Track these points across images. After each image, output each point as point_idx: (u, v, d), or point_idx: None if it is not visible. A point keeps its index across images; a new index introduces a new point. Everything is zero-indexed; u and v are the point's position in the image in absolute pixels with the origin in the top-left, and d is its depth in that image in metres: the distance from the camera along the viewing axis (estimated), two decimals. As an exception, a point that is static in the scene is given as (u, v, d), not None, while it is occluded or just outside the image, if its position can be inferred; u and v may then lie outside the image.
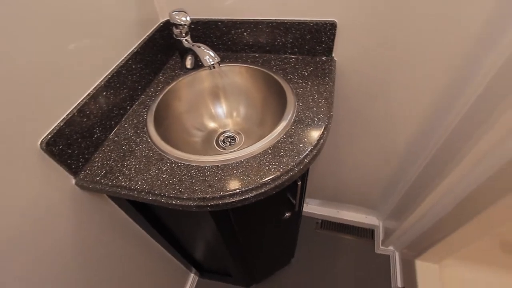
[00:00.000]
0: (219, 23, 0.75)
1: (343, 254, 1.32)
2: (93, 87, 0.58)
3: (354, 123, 0.92)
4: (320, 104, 0.61)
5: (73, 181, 0.55)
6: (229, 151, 0.54)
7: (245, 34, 0.76)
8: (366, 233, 1.37)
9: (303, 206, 1.37)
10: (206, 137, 0.75)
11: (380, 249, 1.28)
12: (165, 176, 0.51)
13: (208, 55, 0.64)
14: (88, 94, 0.56)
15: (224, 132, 0.76)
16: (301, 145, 0.52)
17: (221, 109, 0.77)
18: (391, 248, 1.25)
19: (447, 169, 0.77)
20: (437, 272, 1.03)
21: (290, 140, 0.54)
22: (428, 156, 0.89)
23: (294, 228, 1.01)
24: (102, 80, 0.59)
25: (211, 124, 0.76)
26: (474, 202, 0.74)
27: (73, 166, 0.54)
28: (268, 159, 0.51)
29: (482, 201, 0.71)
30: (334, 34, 0.69)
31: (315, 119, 0.57)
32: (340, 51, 0.73)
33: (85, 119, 0.55)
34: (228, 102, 0.76)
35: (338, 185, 1.23)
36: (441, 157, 0.82)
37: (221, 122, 0.77)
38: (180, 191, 0.49)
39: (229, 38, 0.78)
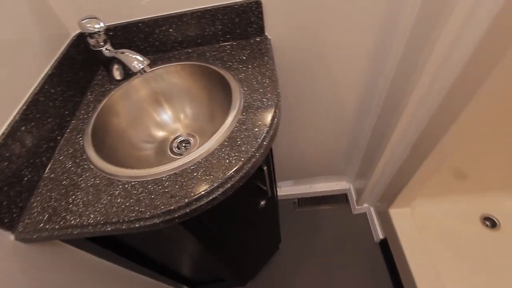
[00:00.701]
0: (140, 24, 0.69)
1: (325, 225, 1.36)
2: (6, 125, 0.49)
3: (302, 98, 0.92)
4: (266, 84, 0.59)
5: (12, 236, 0.47)
6: (185, 155, 0.50)
7: (171, 30, 0.71)
8: (341, 199, 1.43)
9: (276, 191, 1.38)
10: (158, 147, 0.70)
11: (356, 209, 1.34)
12: (120, 200, 0.46)
13: (136, 60, 0.58)
14: (3, 134, 0.48)
15: (176, 138, 0.71)
16: (256, 129, 0.51)
17: (166, 115, 0.72)
18: (365, 205, 1.32)
19: (394, 119, 0.81)
20: (409, 214, 1.10)
21: (244, 127, 0.51)
22: (376, 112, 0.94)
23: (273, 214, 1.01)
24: (16, 114, 0.51)
25: (160, 133, 0.71)
26: (424, 142, 0.80)
27: (6, 220, 0.46)
28: (227, 152, 0.48)
29: (430, 139, 0.77)
30: (261, 13, 0.68)
31: (264, 100, 0.56)
32: (272, 28, 0.72)
33: (6, 163, 0.47)
34: (172, 106, 0.71)
35: (303, 162, 1.25)
36: (387, 110, 0.86)
37: (170, 128, 0.72)
38: (141, 211, 0.44)
39: (155, 39, 0.72)
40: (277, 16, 0.70)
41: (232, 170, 0.46)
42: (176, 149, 0.70)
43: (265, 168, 0.58)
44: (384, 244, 1.21)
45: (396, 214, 1.11)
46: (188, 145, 0.70)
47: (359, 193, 1.28)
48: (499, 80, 0.58)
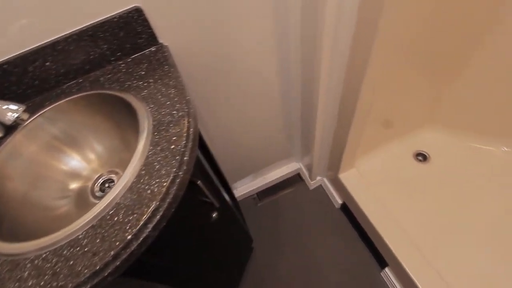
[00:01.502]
0: (6, 66, 0.58)
1: (289, 209, 1.37)
2: None
3: (222, 95, 0.90)
4: (172, 95, 0.54)
5: None
6: (101, 201, 0.43)
7: (48, 64, 0.61)
8: (295, 179, 1.45)
9: (233, 194, 1.34)
10: (77, 199, 0.60)
11: (312, 184, 1.38)
12: (32, 283, 0.38)
13: (8, 110, 0.48)
14: None
15: (96, 181, 0.63)
16: (172, 147, 0.46)
17: (74, 161, 0.62)
18: (319, 178, 1.37)
19: (315, 90, 0.83)
20: (356, 174, 1.17)
21: (159, 148, 0.46)
22: (298, 86, 0.95)
23: (234, 219, 0.97)
24: None
25: (74, 183, 0.61)
26: (346, 103, 0.84)
27: None
28: (146, 181, 0.43)
29: (350, 98, 0.81)
30: (146, 20, 0.62)
31: (174, 112, 0.51)
32: (166, 33, 0.67)
33: None
34: (77, 149, 0.62)
35: (249, 157, 1.23)
36: (306, 82, 0.88)
37: (85, 173, 0.62)
38: (60, 285, 0.36)
39: (32, 77, 0.61)
40: (167, 19, 0.65)
41: (157, 200, 0.40)
42: (100, 192, 0.61)
43: (198, 182, 0.53)
44: (345, 207, 1.27)
45: (345, 177, 1.16)
46: (113, 183, 0.62)
47: (309, 169, 1.31)
48: (392, 27, 0.62)
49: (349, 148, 1.01)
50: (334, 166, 1.17)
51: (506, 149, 1.20)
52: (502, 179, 1.16)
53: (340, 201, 1.28)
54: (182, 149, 0.45)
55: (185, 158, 0.45)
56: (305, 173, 1.39)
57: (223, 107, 0.94)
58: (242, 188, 1.41)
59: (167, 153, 0.45)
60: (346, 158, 1.07)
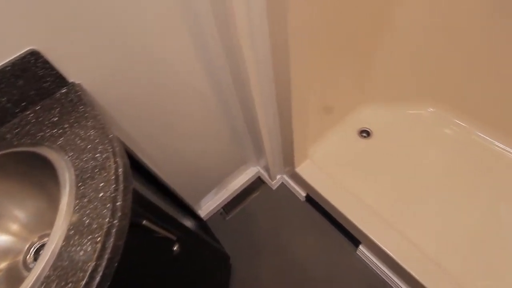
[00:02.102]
0: None
1: (257, 214, 1.36)
2: None
3: (159, 121, 0.85)
4: (92, 137, 0.49)
5: None
6: (26, 278, 0.37)
7: None
8: (258, 183, 1.45)
9: (198, 215, 1.30)
10: (9, 277, 0.52)
11: (274, 184, 1.39)
12: None
13: None
14: None
15: (27, 252, 0.55)
16: (101, 194, 0.41)
17: (-5, 235, 0.53)
18: (279, 177, 1.38)
19: (247, 90, 0.82)
20: (311, 164, 1.20)
21: (86, 200, 0.41)
22: (233, 94, 0.94)
23: (203, 242, 0.93)
24: None
25: (2, 263, 0.53)
26: (282, 98, 0.85)
27: None
28: (77, 242, 0.38)
29: (284, 93, 0.82)
30: (48, 61, 0.56)
31: (97, 155, 0.46)
32: (76, 71, 0.61)
33: None
34: (-6, 220, 0.53)
35: (203, 175, 1.19)
36: (238, 86, 0.88)
37: (12, 248, 0.54)
38: None
39: None
40: (73, 55, 0.59)
41: (93, 260, 0.36)
42: (34, 263, 0.54)
43: (144, 222, 0.49)
44: (309, 198, 1.30)
45: (302, 170, 1.19)
46: (49, 248, 0.55)
47: (268, 170, 1.32)
48: (302, 18, 0.64)
49: (298, 142, 1.03)
50: (289, 162, 1.19)
51: (431, 109, 1.33)
52: (431, 136, 1.29)
53: (303, 194, 1.31)
54: (113, 195, 0.41)
55: (118, 204, 0.41)
56: (264, 175, 1.39)
57: (164, 133, 0.90)
58: (207, 206, 1.37)
59: (96, 203, 0.41)
60: (297, 152, 1.09)
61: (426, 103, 1.33)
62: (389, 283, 1.09)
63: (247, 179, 1.41)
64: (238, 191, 1.43)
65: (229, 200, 1.42)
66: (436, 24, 1.07)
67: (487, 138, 1.22)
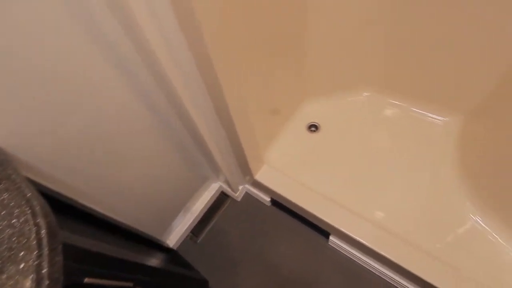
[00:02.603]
0: None
1: (228, 230, 1.33)
2: None
3: (99, 158, 0.79)
4: (6, 201, 0.43)
5: None
6: None
7: None
8: (222, 198, 1.42)
9: (167, 246, 1.24)
10: None
11: (238, 195, 1.37)
12: None
13: None
14: None
15: None
16: (22, 265, 0.36)
17: None
18: (241, 187, 1.37)
19: (184, 109, 0.80)
20: (269, 168, 1.21)
21: (4, 276, 0.36)
22: (172, 116, 0.91)
23: (173, 275, 0.88)
24: None
25: None
26: (221, 110, 0.84)
27: None
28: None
29: (222, 106, 0.81)
30: None
31: (14, 220, 0.41)
32: None
33: None
34: None
35: (164, 204, 1.14)
36: (174, 105, 0.85)
37: None
38: None
39: None
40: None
41: None
42: None
43: (86, 280, 0.45)
44: (274, 202, 1.31)
45: (261, 176, 1.19)
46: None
47: (229, 183, 1.30)
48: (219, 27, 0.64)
49: (249, 151, 1.04)
50: (247, 171, 1.18)
51: (366, 94, 1.43)
52: (372, 118, 1.38)
53: (268, 199, 1.31)
54: (36, 262, 0.36)
55: (43, 271, 0.36)
56: (227, 189, 1.37)
57: (107, 170, 0.83)
58: (175, 234, 1.30)
59: (17, 277, 0.36)
60: (252, 160, 1.09)
61: (360, 88, 1.42)
62: (365, 266, 1.13)
63: (210, 196, 1.38)
64: (204, 211, 1.38)
65: (196, 222, 1.37)
66: (354, 15, 1.15)
67: (418, 111, 1.34)
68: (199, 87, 0.76)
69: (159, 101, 0.85)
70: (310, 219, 1.18)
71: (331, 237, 1.17)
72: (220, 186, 1.40)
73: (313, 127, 1.43)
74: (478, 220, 1.07)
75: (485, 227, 1.05)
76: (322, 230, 1.20)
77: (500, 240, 1.02)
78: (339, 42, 1.23)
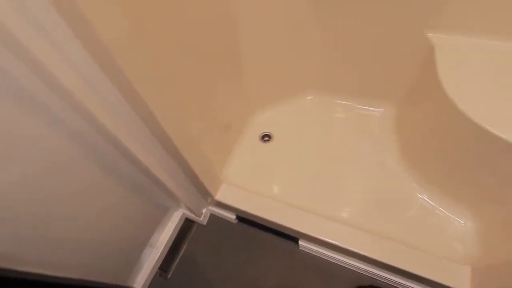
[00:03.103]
0: None
1: (199, 257, 1.29)
2: None
3: (45, 219, 0.72)
4: None
5: None
6: None
7: None
8: (188, 225, 1.37)
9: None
10: None
11: (203, 219, 1.33)
12: None
13: None
14: None
15: None
16: None
17: None
18: (204, 210, 1.34)
19: (122, 144, 0.77)
20: (228, 187, 1.20)
21: None
22: (119, 158, 0.87)
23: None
24: None
25: None
26: (165, 142, 0.82)
27: None
28: None
29: (163, 137, 0.79)
30: None
31: None
32: None
33: None
34: None
35: (125, 247, 1.06)
36: (113, 144, 0.81)
37: None
38: None
39: None
40: None
41: None
42: None
43: None
44: (240, 218, 1.30)
45: (221, 196, 1.18)
46: None
47: (190, 209, 1.26)
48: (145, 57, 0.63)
49: (204, 173, 1.02)
50: (206, 194, 1.16)
51: (310, 97, 1.50)
52: (319, 119, 1.45)
53: (233, 216, 1.30)
54: None
55: None
56: (191, 215, 1.33)
57: (59, 231, 0.76)
58: (141, 276, 1.22)
59: None
60: (209, 181, 1.08)
61: (304, 92, 1.48)
62: (336, 262, 1.17)
63: (174, 226, 1.32)
64: (170, 242, 1.32)
65: (164, 256, 1.30)
66: (281, 22, 1.19)
67: (359, 106, 1.44)
68: (135, 122, 0.73)
69: (98, 145, 0.80)
70: (278, 229, 1.19)
71: (300, 242, 1.19)
72: (183, 214, 1.35)
73: (266, 137, 1.45)
74: (425, 198, 1.17)
75: (432, 203, 1.15)
76: (291, 237, 1.21)
77: (447, 213, 1.13)
78: (272, 50, 1.27)
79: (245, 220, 1.28)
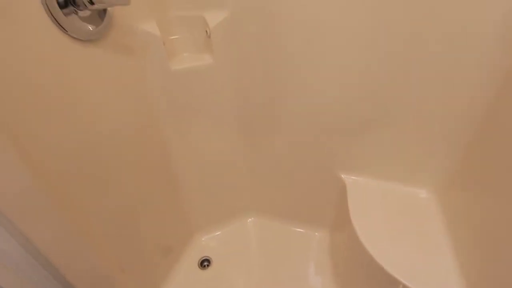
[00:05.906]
0: None
1: None
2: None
3: None
4: None
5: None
6: None
7: None
8: None
9: None
10: None
11: None
12: None
13: None
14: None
15: None
16: None
17: None
18: None
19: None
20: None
21: None
22: None
23: None
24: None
25: None
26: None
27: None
28: None
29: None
30: None
31: None
32: None
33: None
34: None
35: None
36: None
37: None
38: None
39: None
40: None
41: None
42: None
43: None
44: None
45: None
46: None
47: None
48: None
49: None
50: None
51: (250, 219, 1.57)
52: (256, 243, 1.48)
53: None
54: None
55: None
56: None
57: None
58: None
59: None
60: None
61: (245, 215, 1.55)
62: None
63: None
64: None
65: None
66: (208, 151, 1.28)
67: (295, 229, 1.52)
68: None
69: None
70: None
71: None
72: None
73: (205, 262, 1.41)
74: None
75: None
76: None
77: None
78: (208, 173, 1.32)
79: None
